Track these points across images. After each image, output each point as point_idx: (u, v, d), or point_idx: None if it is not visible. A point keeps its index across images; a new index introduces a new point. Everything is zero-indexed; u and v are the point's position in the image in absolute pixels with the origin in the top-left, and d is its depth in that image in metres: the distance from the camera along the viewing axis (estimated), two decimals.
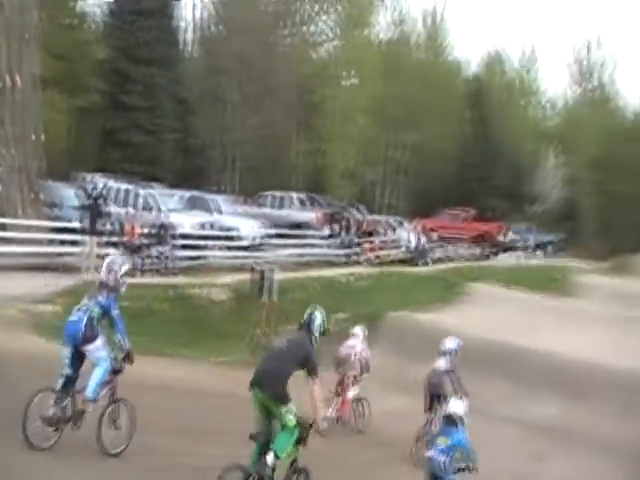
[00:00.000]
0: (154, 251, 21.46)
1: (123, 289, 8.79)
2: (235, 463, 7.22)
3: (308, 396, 7.60)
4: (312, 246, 30.01)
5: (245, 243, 26.08)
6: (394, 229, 35.77)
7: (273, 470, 7.22)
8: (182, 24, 47.90)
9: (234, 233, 26.07)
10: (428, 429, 12.71)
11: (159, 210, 24.06)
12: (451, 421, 8.93)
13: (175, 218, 23.80)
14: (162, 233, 21.87)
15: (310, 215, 31.66)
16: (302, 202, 32.77)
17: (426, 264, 32.38)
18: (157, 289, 19.80)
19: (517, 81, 75.21)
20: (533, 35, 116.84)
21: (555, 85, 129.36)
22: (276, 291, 20.12)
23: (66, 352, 8.37)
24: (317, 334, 7.86)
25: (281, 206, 31.92)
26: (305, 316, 8.00)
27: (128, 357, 8.70)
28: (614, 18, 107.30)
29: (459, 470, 8.60)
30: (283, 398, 7.31)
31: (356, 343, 14.77)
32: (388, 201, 55.40)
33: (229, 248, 25.57)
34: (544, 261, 42.23)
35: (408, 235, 33.82)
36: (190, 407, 12.69)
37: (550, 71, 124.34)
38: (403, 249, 33.20)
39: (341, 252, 30.05)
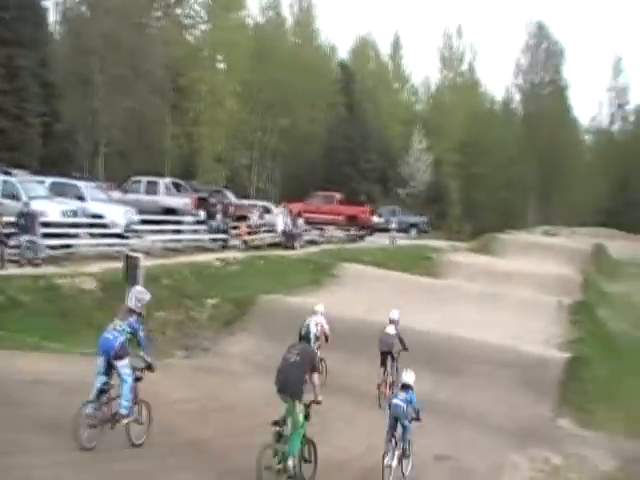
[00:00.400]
0: (21, 240, 20.65)
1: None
2: (267, 443, 9.92)
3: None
4: (184, 232, 29.64)
5: (116, 230, 25.30)
6: (265, 213, 35.65)
7: (294, 467, 9.84)
8: (47, 3, 46.26)
9: (100, 220, 25.22)
10: (383, 378, 16.77)
11: (19, 198, 22.94)
12: (406, 386, 12.09)
13: (38, 206, 22.46)
14: (25, 222, 20.96)
15: (182, 200, 31.08)
16: (173, 187, 32.17)
17: (295, 247, 32.41)
18: (22, 280, 18.96)
19: (389, 66, 77.52)
20: (405, 21, 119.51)
21: (426, 70, 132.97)
22: (142, 278, 19.30)
23: (99, 362, 10.21)
24: (313, 342, 11.22)
25: (152, 192, 31.05)
26: (303, 330, 11.49)
27: (149, 368, 10.67)
28: (476, 10, 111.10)
29: (411, 419, 11.86)
30: (299, 396, 10.10)
31: (319, 319, 17.54)
32: (260, 185, 55.64)
33: (95, 235, 24.68)
34: (415, 242, 43.08)
35: (279, 219, 33.67)
36: (62, 401, 12.41)
37: (422, 56, 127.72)
38: (274, 233, 33.11)
39: (213, 237, 29.75)
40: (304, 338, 11.07)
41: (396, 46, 77.59)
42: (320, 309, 18.16)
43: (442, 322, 21.20)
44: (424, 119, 71.70)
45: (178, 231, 29.36)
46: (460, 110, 72.10)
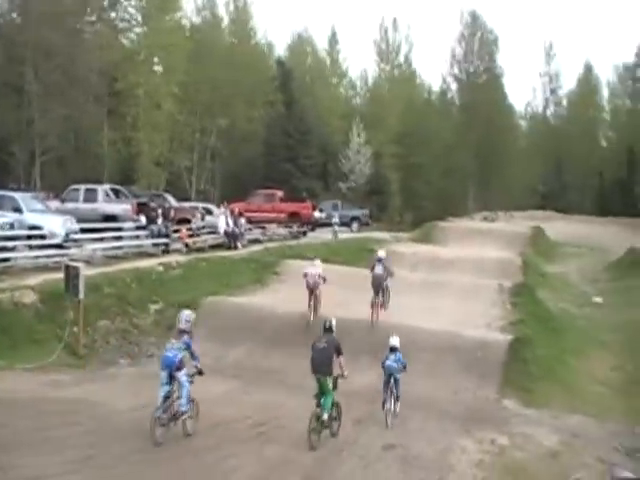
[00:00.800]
0: None
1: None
2: (314, 412, 13.02)
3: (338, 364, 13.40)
4: (125, 238, 29.10)
5: (55, 240, 24.72)
6: (206, 214, 35.28)
7: (327, 419, 13.30)
8: None
9: (38, 232, 24.56)
10: (375, 300, 21.35)
11: None
12: (393, 349, 15.42)
13: None
14: None
15: (121, 206, 30.51)
16: (113, 194, 31.50)
17: (237, 247, 32.12)
18: None
19: (327, 61, 77.55)
20: (341, 15, 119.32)
21: (363, 63, 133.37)
22: (83, 288, 19.44)
23: (163, 375, 12.72)
24: (334, 333, 13.74)
25: (91, 199, 30.37)
26: (327, 323, 13.94)
27: (200, 373, 13.14)
28: (411, 1, 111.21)
29: (400, 371, 15.25)
30: (330, 373, 13.34)
31: (318, 270, 22.12)
32: (201, 187, 55.39)
33: (33, 247, 24.05)
34: (357, 235, 43.07)
35: (220, 220, 33.27)
36: (6, 419, 12.41)
37: (358, 50, 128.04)
38: (216, 234, 32.80)
39: (154, 242, 29.35)
40: (328, 330, 13.82)
41: (333, 41, 77.81)
42: (318, 262, 22.85)
43: (387, 312, 21.48)
44: (362, 112, 71.76)
45: (119, 238, 28.67)
46: (398, 102, 72.54)
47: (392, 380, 15.27)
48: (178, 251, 29.42)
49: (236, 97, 58.04)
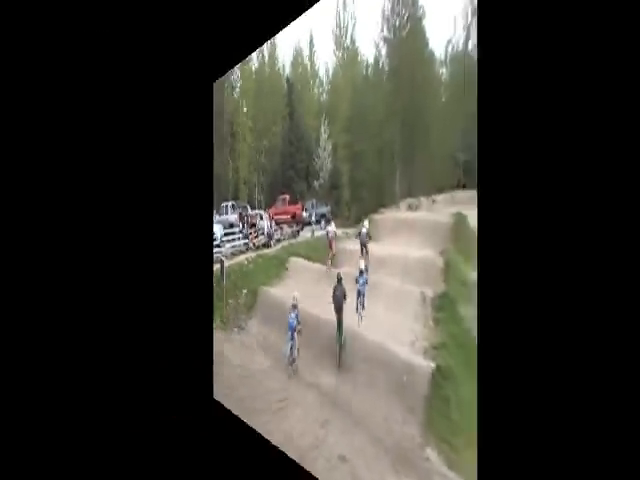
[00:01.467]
0: None
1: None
2: (337, 338, 11.71)
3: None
4: (235, 239, 30.47)
5: (217, 242, 26.26)
6: (260, 219, 34.13)
7: (344, 343, 11.74)
8: None
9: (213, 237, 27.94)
10: (359, 258, 16.98)
11: None
12: (361, 272, 13.18)
13: None
14: None
15: (234, 216, 32.58)
16: (231, 207, 34.08)
17: (271, 246, 30.31)
18: None
19: (307, 66, 54.56)
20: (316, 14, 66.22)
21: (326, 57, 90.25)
22: (225, 275, 19.13)
23: (289, 334, 12.45)
24: (343, 284, 12.21)
25: (226, 212, 32.27)
26: (338, 276, 12.51)
27: (299, 333, 12.63)
28: None
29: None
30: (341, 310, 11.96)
31: (333, 228, 20.24)
32: (257, 197, 48.98)
33: None
34: (323, 232, 31.92)
35: (265, 223, 32.31)
36: None
37: (328, 46, 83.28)
38: (263, 235, 32.04)
39: (244, 242, 29.97)
40: (339, 281, 12.45)
41: (311, 44, 52.47)
42: (332, 228, 20.43)
43: (325, 311, 13.66)
44: (327, 107, 51.21)
45: (234, 240, 30.36)
46: (348, 86, 48.20)
47: (360, 296, 13.17)
48: (250, 249, 29.99)
49: (269, 120, 49.16)
